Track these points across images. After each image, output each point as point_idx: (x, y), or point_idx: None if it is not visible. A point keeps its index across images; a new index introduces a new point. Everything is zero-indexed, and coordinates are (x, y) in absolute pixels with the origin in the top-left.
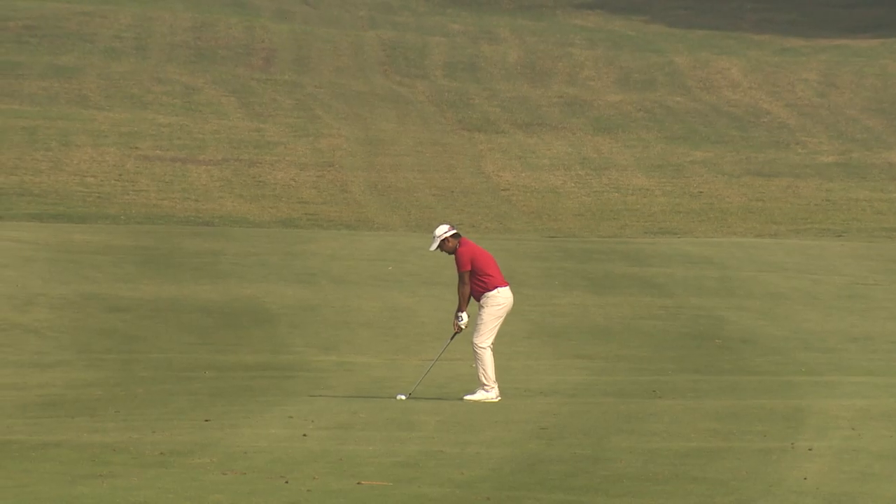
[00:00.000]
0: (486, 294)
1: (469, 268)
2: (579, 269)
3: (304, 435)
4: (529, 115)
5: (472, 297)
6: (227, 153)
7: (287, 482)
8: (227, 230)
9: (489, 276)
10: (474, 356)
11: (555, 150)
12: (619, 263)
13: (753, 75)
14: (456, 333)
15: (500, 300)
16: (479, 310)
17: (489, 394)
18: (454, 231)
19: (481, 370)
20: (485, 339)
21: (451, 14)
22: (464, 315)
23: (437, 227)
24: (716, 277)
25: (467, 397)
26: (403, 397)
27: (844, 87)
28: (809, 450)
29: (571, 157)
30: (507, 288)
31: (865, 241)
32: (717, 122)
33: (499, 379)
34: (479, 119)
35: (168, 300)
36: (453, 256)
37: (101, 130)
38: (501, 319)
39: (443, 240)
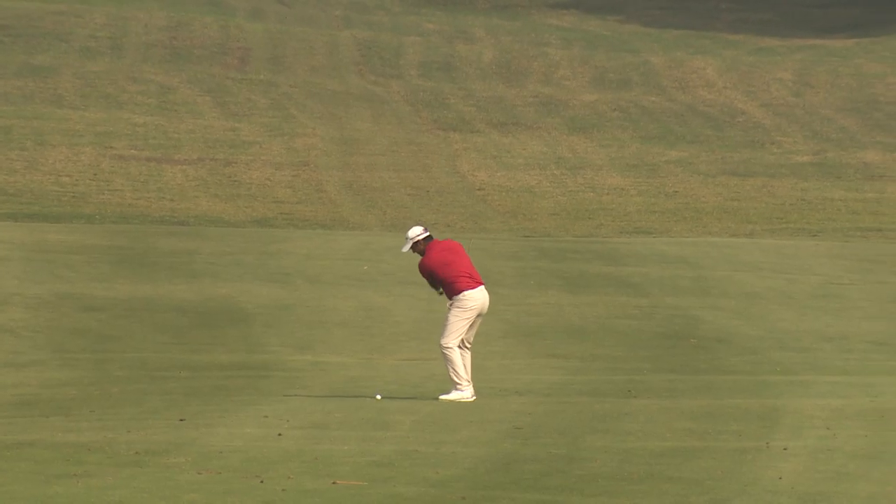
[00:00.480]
0: (454, 296)
1: (428, 280)
2: (554, 269)
3: (279, 434)
4: (504, 115)
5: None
6: (203, 153)
7: (262, 481)
8: (202, 230)
9: (456, 281)
10: (442, 357)
11: (530, 150)
12: (594, 263)
13: (729, 75)
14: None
15: (468, 303)
16: (448, 310)
17: (464, 393)
18: (427, 234)
19: (451, 370)
20: (450, 340)
21: (425, 14)
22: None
23: (411, 228)
24: (691, 277)
25: (443, 397)
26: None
27: (819, 87)
28: (784, 449)
29: (547, 157)
30: (479, 289)
31: (840, 241)
32: (693, 122)
33: (474, 378)
34: (455, 119)
35: (143, 300)
36: None
37: (77, 130)
38: (469, 321)
39: (415, 242)
